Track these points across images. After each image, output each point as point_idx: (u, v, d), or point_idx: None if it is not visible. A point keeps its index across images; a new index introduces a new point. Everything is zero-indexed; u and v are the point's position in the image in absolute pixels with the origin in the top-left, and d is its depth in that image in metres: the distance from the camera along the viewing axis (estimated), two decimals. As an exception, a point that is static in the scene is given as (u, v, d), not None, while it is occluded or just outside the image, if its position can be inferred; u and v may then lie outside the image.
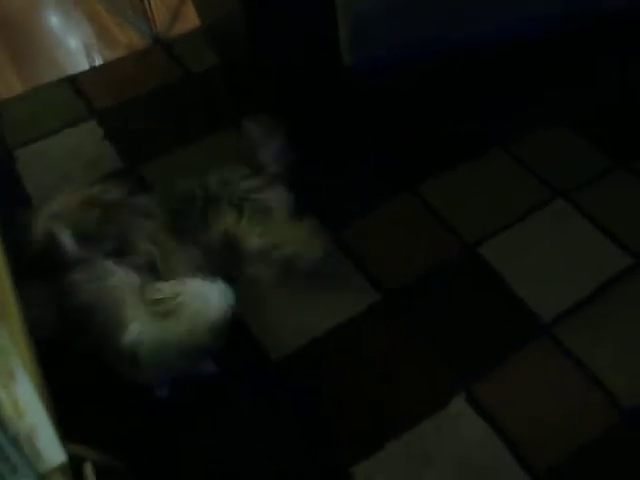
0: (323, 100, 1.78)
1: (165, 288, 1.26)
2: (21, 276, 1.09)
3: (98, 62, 2.34)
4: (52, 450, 0.64)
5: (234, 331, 1.36)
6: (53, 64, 2.35)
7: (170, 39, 2.37)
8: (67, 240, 1.41)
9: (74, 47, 2.46)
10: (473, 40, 1.74)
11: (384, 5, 1.61)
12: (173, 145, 2.00)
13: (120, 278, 1.36)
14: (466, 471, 1.37)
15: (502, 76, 1.85)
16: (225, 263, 1.54)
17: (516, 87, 1.90)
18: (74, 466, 1.17)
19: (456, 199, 1.83)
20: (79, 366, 1.48)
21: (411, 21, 1.66)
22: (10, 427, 0.65)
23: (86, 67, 2.32)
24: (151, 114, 2.12)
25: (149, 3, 2.33)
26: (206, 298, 1.25)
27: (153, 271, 1.44)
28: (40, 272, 1.44)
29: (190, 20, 2.38)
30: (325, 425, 1.44)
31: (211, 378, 1.48)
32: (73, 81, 2.25)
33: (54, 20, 2.61)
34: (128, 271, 1.38)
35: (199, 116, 2.10)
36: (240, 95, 2.08)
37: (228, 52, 2.12)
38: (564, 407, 1.44)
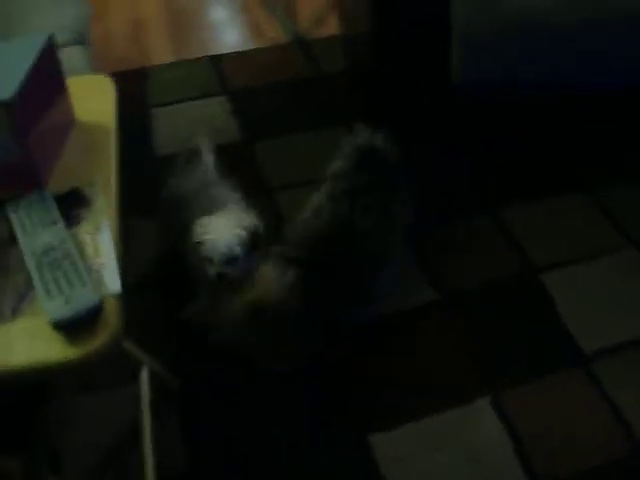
0: (431, 110, 1.93)
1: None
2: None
3: (242, 48, 2.61)
4: (113, 283, 0.83)
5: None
6: (203, 43, 2.64)
7: (310, 40, 2.60)
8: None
9: (224, 31, 2.74)
10: (580, 79, 1.84)
11: (495, 30, 1.74)
12: (287, 131, 2.22)
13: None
14: (472, 465, 1.45)
15: (601, 119, 1.94)
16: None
17: (614, 133, 1.98)
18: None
19: (533, 227, 1.93)
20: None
21: (521, 52, 1.78)
22: (88, 259, 0.86)
23: (230, 51, 2.59)
24: (276, 101, 2.35)
25: (292, 6, 2.57)
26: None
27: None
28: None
29: (331, 27, 2.60)
30: (353, 397, 1.57)
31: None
32: (216, 60, 2.52)
33: (214, 6, 2.91)
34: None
35: (317, 111, 2.30)
36: (357, 99, 2.27)
37: (357, 61, 2.32)
38: (581, 432, 1.50)
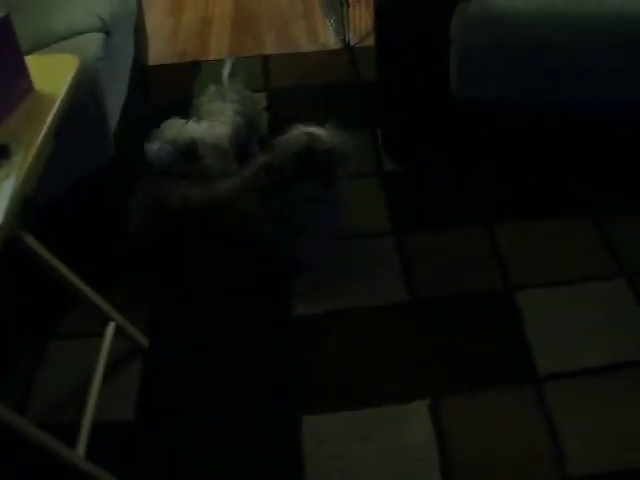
0: (431, 120, 1.98)
1: None
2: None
3: (294, 50, 2.74)
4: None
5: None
6: (260, 43, 2.81)
7: (356, 48, 2.69)
8: None
9: (281, 33, 2.89)
10: (580, 105, 1.83)
11: (494, 50, 1.77)
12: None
13: None
14: (393, 462, 1.49)
15: (603, 141, 1.91)
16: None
17: (619, 156, 1.95)
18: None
19: (523, 244, 1.93)
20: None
21: (520, 71, 1.80)
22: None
23: (283, 52, 2.73)
24: (310, 101, 2.46)
25: (348, 19, 2.69)
26: None
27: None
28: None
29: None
30: (298, 377, 1.65)
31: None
32: (266, 60, 2.67)
33: (278, 10, 3.07)
34: None
35: (345, 113, 2.39)
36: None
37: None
38: (514, 452, 1.49)
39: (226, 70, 2.19)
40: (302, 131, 1.68)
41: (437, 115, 1.95)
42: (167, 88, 2.56)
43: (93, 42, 1.72)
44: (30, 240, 1.37)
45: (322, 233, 1.78)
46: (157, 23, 2.96)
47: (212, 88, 2.10)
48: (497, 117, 1.92)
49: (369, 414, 1.57)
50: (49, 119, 1.18)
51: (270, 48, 2.77)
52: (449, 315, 1.78)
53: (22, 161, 1.09)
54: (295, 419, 1.56)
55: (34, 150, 1.12)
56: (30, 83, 1.25)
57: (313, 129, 1.68)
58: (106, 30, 1.81)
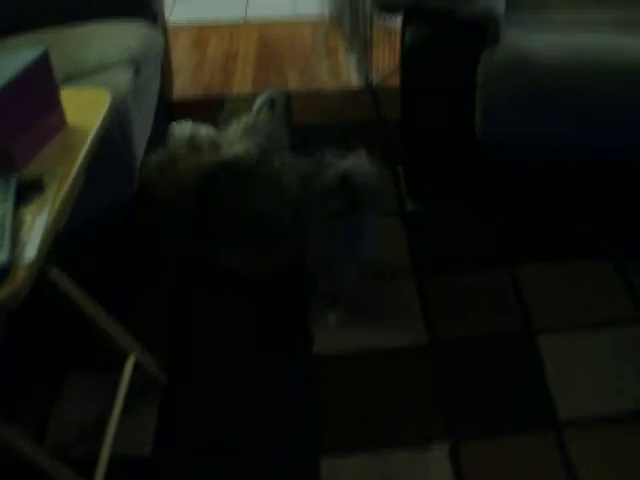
0: (454, 162, 1.99)
1: None
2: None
3: (317, 87, 2.77)
4: (29, 253, 0.99)
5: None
6: (283, 79, 2.84)
7: (379, 88, 2.72)
8: None
9: (305, 71, 2.93)
10: (603, 150, 1.84)
11: (520, 95, 1.78)
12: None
13: None
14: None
15: (627, 189, 1.92)
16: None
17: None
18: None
19: (546, 288, 1.92)
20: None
21: (544, 116, 1.81)
22: (19, 233, 1.02)
23: (307, 89, 2.76)
24: (332, 139, 2.46)
25: (371, 59, 2.72)
26: None
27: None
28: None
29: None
30: (318, 420, 1.64)
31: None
32: (289, 95, 2.69)
33: (302, 47, 3.12)
34: None
35: (367, 152, 2.40)
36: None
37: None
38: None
39: (259, 101, 2.19)
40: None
41: (461, 157, 1.96)
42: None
43: (123, 77, 1.75)
44: (54, 271, 1.38)
45: (341, 258, 1.77)
46: (182, 57, 3.01)
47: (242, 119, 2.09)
48: (520, 160, 1.93)
49: (388, 457, 1.56)
50: (82, 154, 1.20)
51: (293, 85, 2.81)
52: (469, 358, 1.76)
53: (55, 196, 1.10)
54: (313, 460, 1.55)
55: (67, 185, 1.13)
56: (64, 117, 1.27)
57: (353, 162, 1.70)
58: (136, 65, 1.84)
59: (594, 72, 1.73)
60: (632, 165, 1.84)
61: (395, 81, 2.70)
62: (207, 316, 1.89)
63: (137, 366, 1.63)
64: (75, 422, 1.64)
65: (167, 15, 3.26)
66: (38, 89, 1.19)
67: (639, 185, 1.91)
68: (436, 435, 1.59)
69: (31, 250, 1.00)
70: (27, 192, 1.11)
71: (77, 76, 1.73)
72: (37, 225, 1.05)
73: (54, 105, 1.24)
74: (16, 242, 1.01)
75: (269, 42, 3.16)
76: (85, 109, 1.30)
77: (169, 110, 2.50)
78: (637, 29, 1.84)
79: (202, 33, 3.26)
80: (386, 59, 2.80)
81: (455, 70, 1.83)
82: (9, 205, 1.06)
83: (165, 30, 2.44)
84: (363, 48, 2.72)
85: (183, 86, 2.79)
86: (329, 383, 1.72)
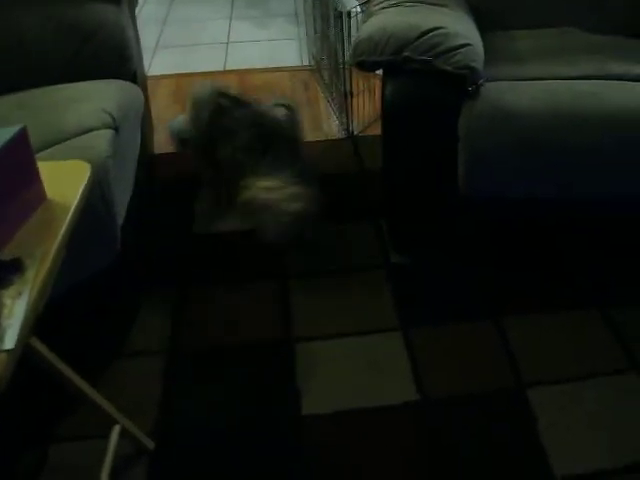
0: (437, 214, 2.00)
1: None
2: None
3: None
4: (8, 340, 0.97)
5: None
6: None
7: (360, 138, 2.73)
8: None
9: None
10: (586, 200, 1.85)
11: (501, 147, 1.80)
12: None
13: None
14: None
15: (613, 238, 1.93)
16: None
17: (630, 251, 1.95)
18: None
19: (533, 339, 1.91)
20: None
21: (525, 167, 1.82)
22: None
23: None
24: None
25: (351, 109, 2.74)
26: None
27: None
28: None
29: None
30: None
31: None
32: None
33: (284, 92, 3.14)
34: None
35: (348, 203, 2.41)
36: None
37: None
38: None
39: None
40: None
41: (444, 209, 1.96)
42: (173, 175, 2.58)
43: (102, 139, 1.74)
44: (33, 341, 1.35)
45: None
46: (161, 110, 3.00)
47: None
48: (504, 213, 1.93)
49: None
50: (62, 231, 1.18)
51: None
52: (459, 415, 1.74)
53: (35, 277, 1.08)
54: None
55: (47, 264, 1.11)
56: (43, 192, 1.25)
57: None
58: (115, 126, 1.83)
59: (572, 122, 1.75)
60: (616, 215, 1.85)
61: (376, 130, 2.73)
62: (194, 382, 1.86)
63: (122, 434, 1.59)
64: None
65: (147, 67, 3.28)
66: (17, 167, 1.18)
67: (624, 234, 1.92)
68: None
69: (11, 337, 0.97)
70: (6, 273, 1.09)
71: (56, 142, 1.71)
72: (17, 310, 1.02)
73: (33, 182, 1.22)
74: (-5, 328, 0.98)
75: (249, 90, 3.17)
76: (65, 182, 1.29)
77: (150, 165, 2.49)
78: (614, 80, 1.87)
79: (181, 82, 3.27)
80: (366, 108, 2.81)
81: (437, 123, 1.84)
82: (-13, 289, 1.04)
83: (145, 87, 2.44)
84: (343, 97, 2.73)
85: (164, 139, 2.77)
86: (317, 443, 1.68)
